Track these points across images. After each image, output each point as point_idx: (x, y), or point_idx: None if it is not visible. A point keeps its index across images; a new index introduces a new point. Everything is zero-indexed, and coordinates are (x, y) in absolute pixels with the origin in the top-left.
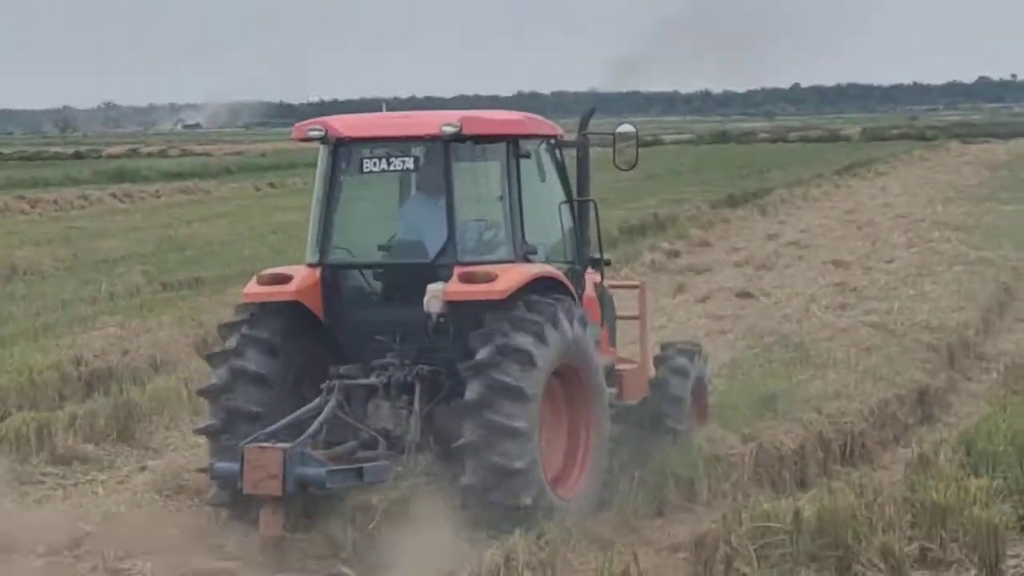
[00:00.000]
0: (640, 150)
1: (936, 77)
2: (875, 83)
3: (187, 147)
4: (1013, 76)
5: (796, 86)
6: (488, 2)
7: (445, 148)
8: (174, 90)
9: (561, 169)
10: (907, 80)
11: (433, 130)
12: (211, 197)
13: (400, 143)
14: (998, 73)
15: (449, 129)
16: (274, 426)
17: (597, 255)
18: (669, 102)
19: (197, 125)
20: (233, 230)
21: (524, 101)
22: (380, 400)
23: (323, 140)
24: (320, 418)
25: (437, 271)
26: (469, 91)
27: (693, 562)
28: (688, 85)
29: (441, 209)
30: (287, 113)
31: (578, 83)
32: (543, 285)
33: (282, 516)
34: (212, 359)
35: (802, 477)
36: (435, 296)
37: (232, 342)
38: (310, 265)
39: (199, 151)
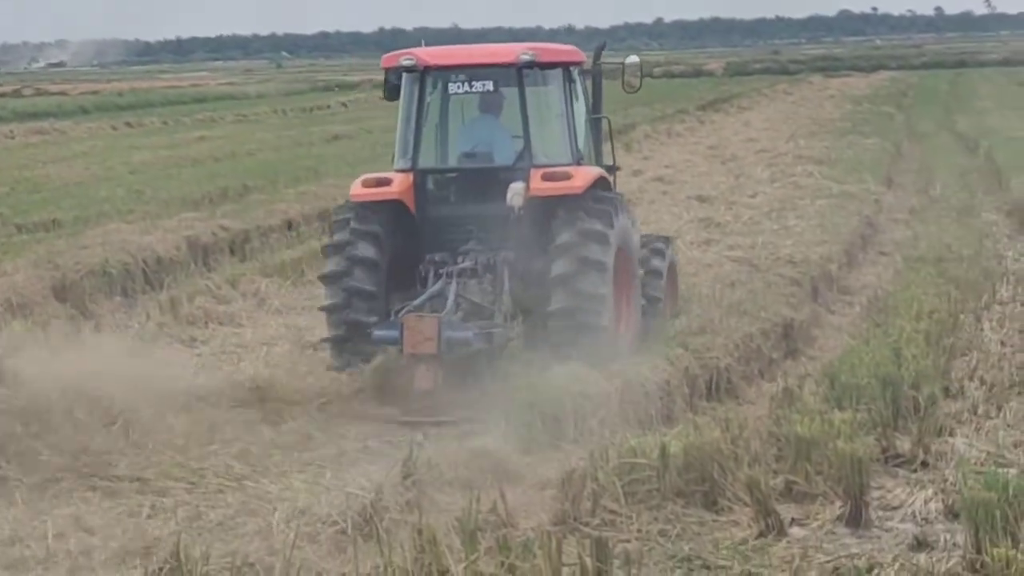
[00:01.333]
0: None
1: (798, 11)
2: (738, 17)
3: (41, 86)
4: (874, 9)
5: (659, 20)
6: None
7: (519, 73)
8: (35, 28)
9: (585, 91)
10: (769, 14)
11: (511, 58)
12: (67, 138)
13: (480, 69)
14: (859, 6)
15: (526, 57)
16: (416, 301)
17: (610, 162)
18: (530, 36)
19: (62, 64)
20: (90, 171)
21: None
22: (468, 279)
23: (412, 68)
24: (451, 296)
25: (513, 173)
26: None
27: (560, 499)
28: (551, 20)
29: (515, 123)
30: (144, 51)
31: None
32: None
33: (435, 372)
34: (326, 250)
35: (668, 413)
36: (517, 193)
37: (344, 235)
38: (401, 170)
39: (54, 90)
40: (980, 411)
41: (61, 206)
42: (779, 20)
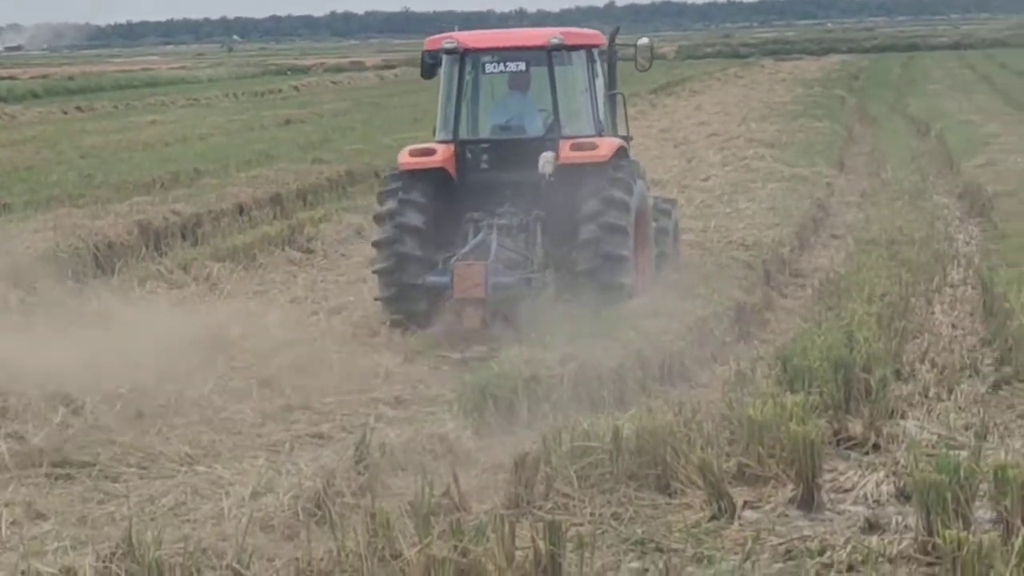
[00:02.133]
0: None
1: None
2: (689, 1)
3: None
4: None
5: (611, 4)
6: None
7: (549, 55)
8: None
9: (603, 70)
10: None
11: (541, 41)
12: (17, 122)
13: (513, 51)
14: None
15: (555, 41)
16: (463, 250)
17: (624, 133)
18: (483, 21)
19: (19, 47)
20: (40, 155)
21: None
22: (506, 234)
23: (454, 51)
24: (493, 247)
25: (544, 143)
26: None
27: (513, 483)
28: (503, 4)
29: (547, 98)
30: (95, 35)
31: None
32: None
33: (482, 313)
34: (378, 218)
35: (621, 396)
36: (548, 161)
37: (393, 203)
38: (442, 141)
39: (4, 75)
40: (931, 394)
41: (12, 191)
42: (730, 3)
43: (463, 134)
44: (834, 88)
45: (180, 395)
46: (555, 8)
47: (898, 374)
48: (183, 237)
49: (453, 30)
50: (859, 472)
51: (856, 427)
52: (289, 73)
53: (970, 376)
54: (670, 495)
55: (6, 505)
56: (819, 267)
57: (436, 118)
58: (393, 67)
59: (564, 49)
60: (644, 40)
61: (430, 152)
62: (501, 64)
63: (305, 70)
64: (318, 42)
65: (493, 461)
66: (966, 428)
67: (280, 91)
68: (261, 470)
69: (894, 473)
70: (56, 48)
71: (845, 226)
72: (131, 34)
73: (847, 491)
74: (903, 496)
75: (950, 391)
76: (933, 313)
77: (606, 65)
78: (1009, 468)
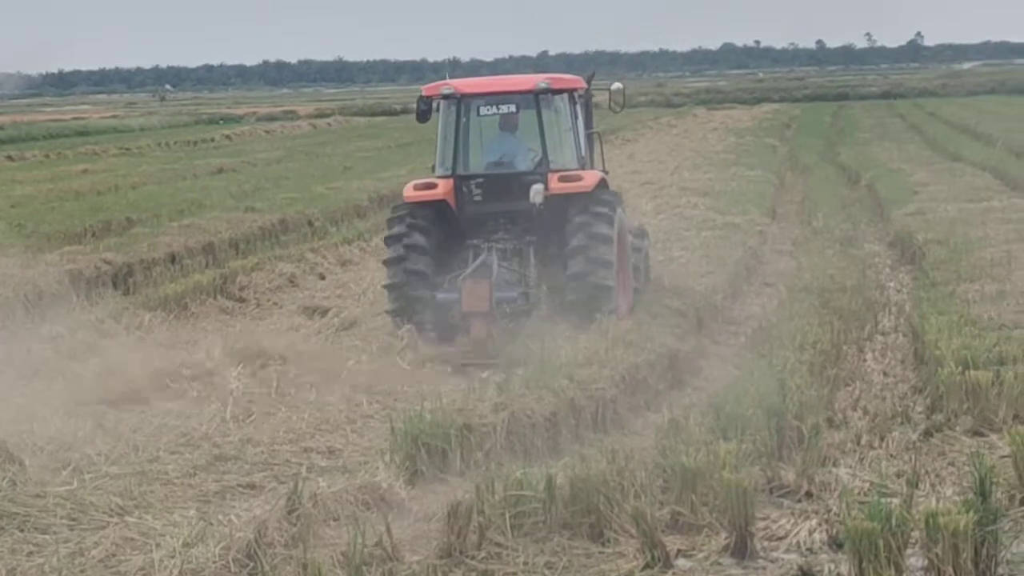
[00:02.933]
0: (387, 119)
1: (682, 44)
2: (622, 50)
3: None
4: (757, 42)
5: (543, 54)
6: None
7: (536, 98)
8: None
9: (583, 110)
10: (653, 47)
11: (529, 86)
12: None
13: (505, 96)
14: (742, 39)
15: (543, 85)
16: (468, 270)
17: (602, 167)
18: (417, 70)
19: None
20: None
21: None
22: (503, 256)
23: (451, 96)
24: (494, 267)
25: (532, 177)
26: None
27: (446, 532)
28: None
29: (534, 137)
30: (27, 84)
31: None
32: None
33: (487, 325)
34: (388, 240)
35: (554, 445)
36: (538, 192)
37: (401, 227)
38: (442, 177)
39: None
40: (863, 441)
41: None
42: (663, 53)
43: (460, 170)
44: (766, 137)
45: (112, 445)
46: (488, 57)
47: (830, 421)
48: (115, 286)
49: (445, 77)
50: (792, 520)
51: (789, 475)
52: (221, 122)
53: (901, 423)
54: (603, 544)
55: None
56: (752, 315)
57: (435, 155)
58: (327, 116)
59: (550, 92)
60: (617, 85)
61: (432, 186)
62: (494, 107)
63: (238, 119)
64: (251, 91)
65: (426, 511)
66: (898, 475)
67: (212, 140)
68: (192, 521)
69: (827, 521)
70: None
71: (777, 274)
72: (63, 83)
73: (780, 539)
74: (836, 544)
75: (882, 438)
76: (865, 361)
77: (583, 107)
78: (940, 515)
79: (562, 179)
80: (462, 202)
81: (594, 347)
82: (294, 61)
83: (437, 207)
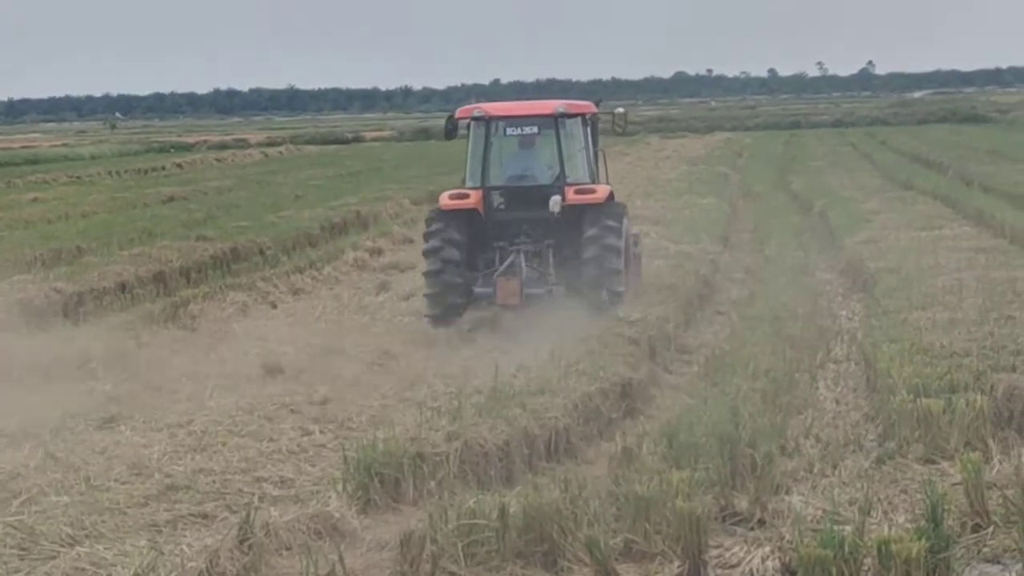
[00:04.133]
0: (338, 148)
1: (634, 72)
2: (573, 78)
3: None
4: (709, 71)
5: (496, 82)
6: None
7: (555, 121)
8: None
9: (592, 131)
10: (605, 75)
11: (549, 111)
12: None
13: (528, 119)
14: (694, 68)
15: (561, 109)
16: (500, 268)
17: (605, 182)
18: (369, 99)
19: None
20: None
21: None
22: (528, 258)
23: (481, 118)
24: (523, 267)
25: (550, 189)
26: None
27: (400, 562)
28: (388, 81)
29: (553, 155)
30: None
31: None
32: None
33: (519, 291)
34: (426, 236)
35: (507, 474)
36: (556, 202)
37: (439, 225)
38: (472, 188)
39: None
40: (816, 469)
41: None
42: (615, 81)
43: (488, 182)
44: (718, 165)
45: (62, 475)
46: (441, 85)
47: (783, 449)
48: (65, 315)
49: (471, 102)
50: (745, 548)
51: (742, 503)
52: (173, 150)
53: (854, 451)
54: (557, 572)
55: None
56: (704, 343)
57: (465, 169)
58: (278, 144)
59: (566, 116)
60: (620, 109)
61: (465, 196)
62: (519, 128)
63: (189, 147)
64: (201, 119)
65: (379, 540)
66: (850, 503)
67: (163, 168)
68: (143, 551)
69: (780, 548)
70: None
71: (730, 302)
72: (12, 112)
73: (733, 567)
74: (789, 572)
75: (834, 466)
76: (817, 389)
77: (592, 128)
78: (893, 543)
79: (577, 191)
80: (489, 209)
81: (547, 375)
82: (245, 89)
83: (468, 214)
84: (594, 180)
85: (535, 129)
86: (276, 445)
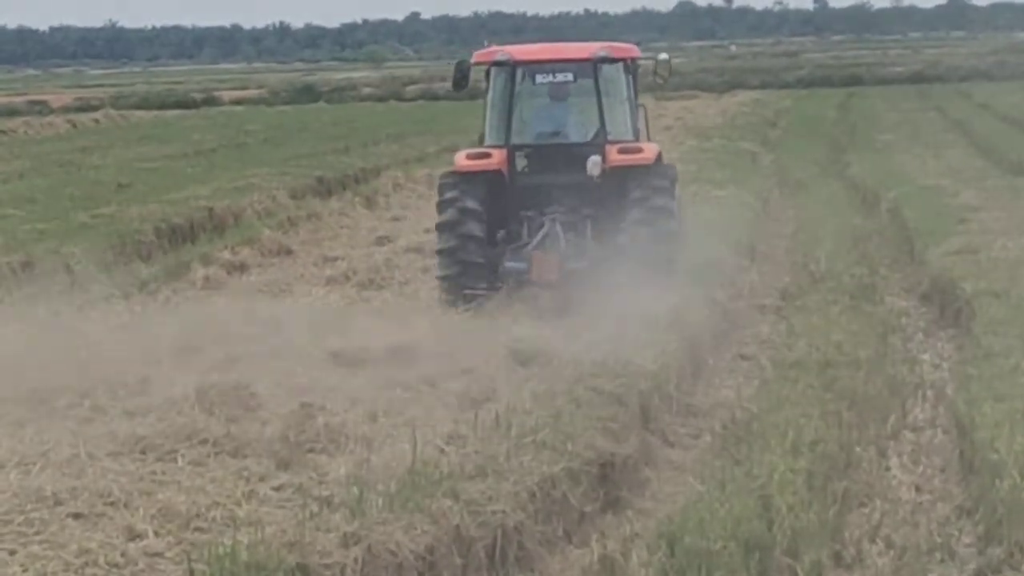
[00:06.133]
0: (182, 113)
1: (617, 3)
2: (529, 11)
3: None
4: (728, 1)
5: (415, 16)
6: None
7: (595, 67)
8: None
9: (633, 81)
10: (576, 7)
11: (588, 55)
12: None
13: (562, 63)
14: None
15: (602, 53)
16: (535, 240)
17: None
18: (227, 42)
19: None
20: None
21: None
22: (560, 230)
23: (504, 63)
24: (561, 239)
25: (587, 148)
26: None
27: None
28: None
29: (591, 107)
30: None
31: None
32: None
33: (552, 299)
34: (440, 205)
35: None
36: (596, 164)
37: (455, 192)
38: (494, 146)
39: None
40: None
41: None
42: (589, 15)
43: (515, 140)
44: (742, 140)
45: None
46: (331, 23)
47: (838, 559)
48: None
49: (484, 44)
50: None
51: None
52: None
53: (942, 561)
54: None
55: None
56: (721, 402)
57: (484, 124)
58: (93, 108)
59: (608, 61)
60: (664, 56)
61: (485, 155)
62: (550, 75)
63: None
64: None
65: None
66: None
67: None
68: None
69: None
70: None
71: (758, 342)
72: None
73: None
74: None
75: None
76: (888, 469)
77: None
78: None
79: (621, 151)
80: (514, 172)
81: (490, 450)
82: (44, 28)
83: (489, 177)
84: (637, 136)
85: (570, 76)
86: (89, 557)
